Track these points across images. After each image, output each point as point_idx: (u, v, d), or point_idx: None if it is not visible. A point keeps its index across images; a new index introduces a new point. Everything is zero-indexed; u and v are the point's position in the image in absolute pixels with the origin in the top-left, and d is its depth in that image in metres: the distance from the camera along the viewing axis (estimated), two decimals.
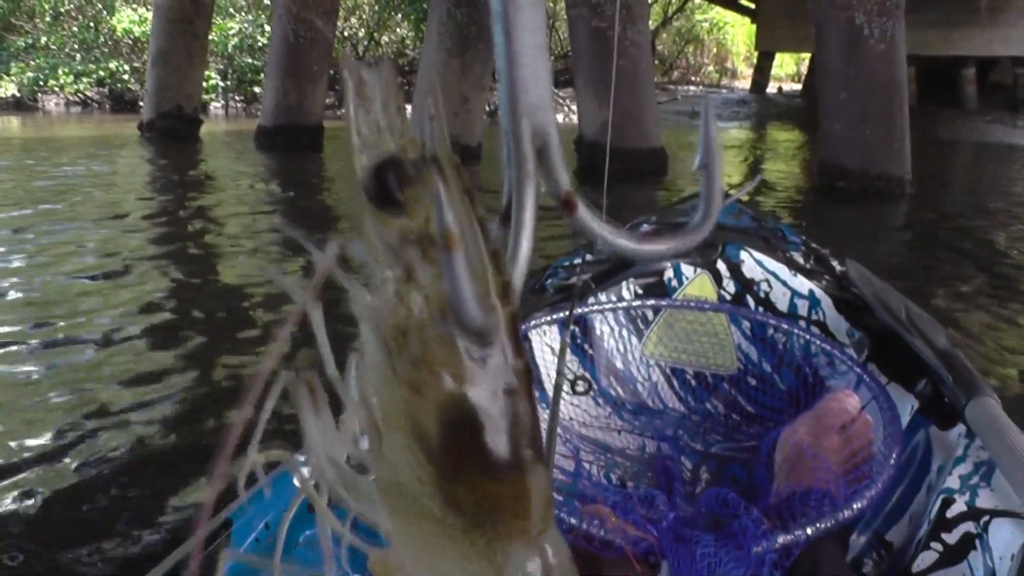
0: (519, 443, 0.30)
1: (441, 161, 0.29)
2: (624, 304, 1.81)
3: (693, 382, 1.80)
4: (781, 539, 0.94)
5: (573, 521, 0.99)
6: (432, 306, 0.29)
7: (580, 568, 1.07)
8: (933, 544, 1.12)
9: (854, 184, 7.27)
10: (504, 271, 0.30)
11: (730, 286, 1.89)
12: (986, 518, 1.10)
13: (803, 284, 1.83)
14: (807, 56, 21.25)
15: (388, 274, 0.30)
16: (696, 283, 1.89)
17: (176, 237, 5.13)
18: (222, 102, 17.02)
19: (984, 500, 1.13)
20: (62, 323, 3.28)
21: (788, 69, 26.45)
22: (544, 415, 1.70)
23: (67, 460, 2.22)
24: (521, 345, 0.30)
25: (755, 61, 22.35)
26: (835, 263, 1.92)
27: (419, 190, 0.29)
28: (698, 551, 0.93)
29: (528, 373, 0.31)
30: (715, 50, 26.11)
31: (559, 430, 1.46)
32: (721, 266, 1.91)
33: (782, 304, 1.84)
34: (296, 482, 0.34)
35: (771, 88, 22.12)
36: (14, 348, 2.97)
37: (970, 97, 16.56)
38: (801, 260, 1.90)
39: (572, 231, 0.34)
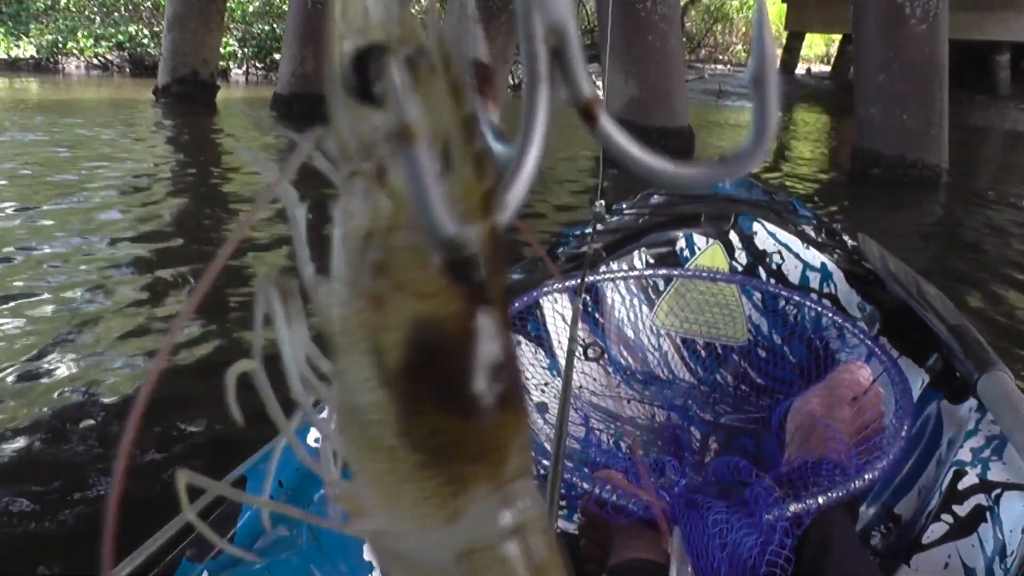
0: (487, 376, 0.28)
1: (421, 47, 0.26)
2: (636, 273, 1.82)
3: (703, 352, 1.82)
4: (793, 507, 0.95)
5: (585, 486, 1.00)
6: (401, 210, 0.27)
7: (592, 533, 1.11)
8: (943, 516, 1.13)
9: (888, 171, 6.90)
10: (486, 178, 0.27)
11: (742, 257, 1.90)
12: (998, 491, 1.10)
13: (815, 257, 1.83)
14: (837, 37, 20.95)
15: (358, 171, 0.28)
16: (708, 253, 1.90)
17: (176, 201, 4.98)
18: (242, 69, 16.90)
19: (996, 473, 1.13)
20: (61, 282, 3.22)
21: (817, 50, 25.97)
22: (556, 382, 1.69)
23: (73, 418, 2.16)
24: (501, 267, 0.28)
25: (784, 41, 22.03)
26: (847, 237, 1.91)
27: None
28: (710, 517, 0.94)
29: (505, 299, 0.28)
30: (744, 29, 25.66)
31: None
32: (734, 237, 1.90)
33: (794, 276, 1.84)
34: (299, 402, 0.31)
35: (800, 69, 21.78)
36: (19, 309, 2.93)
37: (1003, 83, 16.12)
38: (813, 233, 1.90)
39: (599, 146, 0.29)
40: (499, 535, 0.29)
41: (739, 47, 25.52)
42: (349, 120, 0.28)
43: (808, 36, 22.07)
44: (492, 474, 0.28)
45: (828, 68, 22.36)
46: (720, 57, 24.34)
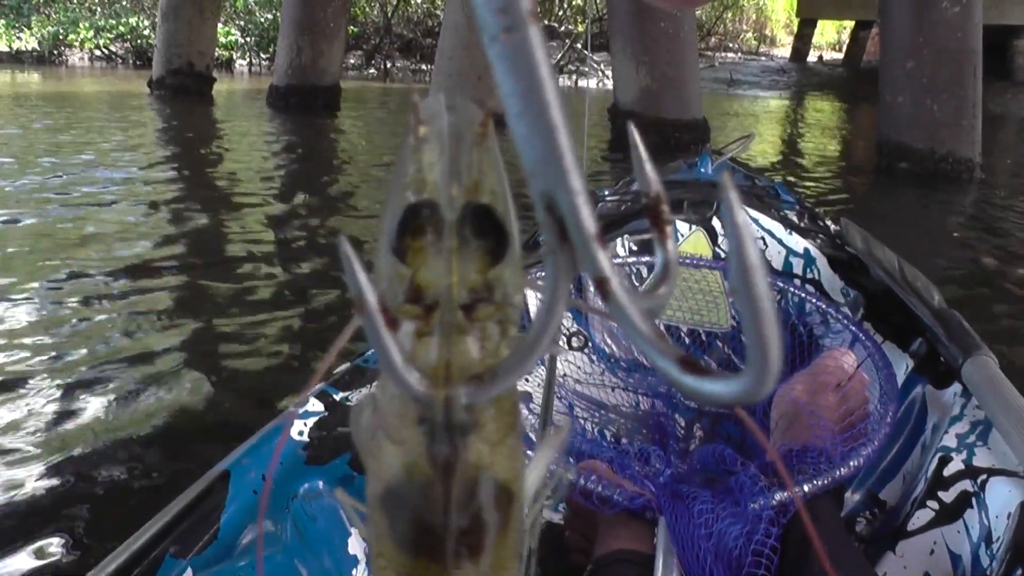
0: (438, 530, 0.29)
1: (439, 212, 0.27)
2: (619, 260, 1.82)
3: (687, 339, 1.83)
4: (778, 496, 0.94)
5: (570, 477, 1.00)
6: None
7: (577, 523, 1.15)
8: (929, 502, 1.13)
9: (917, 165, 6.46)
10: (451, 349, 0.28)
11: (725, 243, 1.61)
12: (984, 477, 1.09)
13: (798, 242, 1.84)
14: (849, 24, 20.62)
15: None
16: (691, 240, 1.91)
17: (158, 199, 4.73)
18: (246, 60, 16.65)
19: (981, 459, 1.12)
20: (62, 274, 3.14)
21: (829, 37, 25.69)
22: (540, 371, 1.61)
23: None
24: (454, 437, 0.28)
25: (795, 28, 21.75)
26: (830, 222, 1.91)
27: (426, 241, 0.28)
28: (695, 507, 0.94)
29: (458, 459, 0.28)
30: (754, 16, 25.39)
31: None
32: (716, 223, 1.90)
33: (777, 262, 1.86)
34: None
35: (811, 57, 21.47)
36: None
37: (1020, 69, 15.75)
38: (795, 219, 1.91)
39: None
40: None
41: (749, 35, 25.18)
42: (386, 271, 0.28)
43: (820, 23, 21.71)
44: None
45: (840, 55, 22.01)
46: (731, 45, 24.04)
